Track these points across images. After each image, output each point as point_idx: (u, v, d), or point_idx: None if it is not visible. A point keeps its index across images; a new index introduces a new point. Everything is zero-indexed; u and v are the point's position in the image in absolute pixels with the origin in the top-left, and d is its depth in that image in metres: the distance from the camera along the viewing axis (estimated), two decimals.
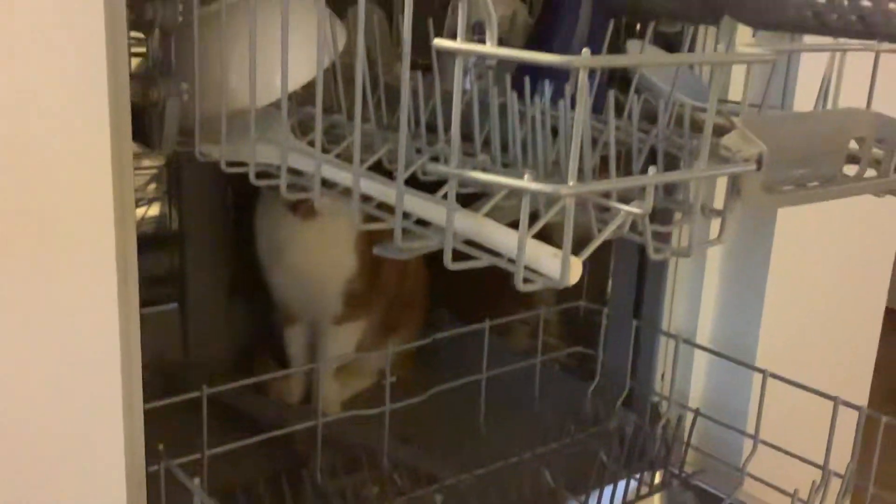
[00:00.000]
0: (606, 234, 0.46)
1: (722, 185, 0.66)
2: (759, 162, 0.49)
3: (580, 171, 0.60)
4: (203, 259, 1.20)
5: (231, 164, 0.66)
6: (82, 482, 0.65)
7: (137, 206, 1.19)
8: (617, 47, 0.94)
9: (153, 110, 0.66)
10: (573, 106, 0.58)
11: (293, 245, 1.06)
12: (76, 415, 0.64)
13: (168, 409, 0.80)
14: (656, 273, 1.06)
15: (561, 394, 1.13)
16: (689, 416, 1.03)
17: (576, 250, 0.47)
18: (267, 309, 1.15)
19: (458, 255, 0.49)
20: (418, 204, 0.53)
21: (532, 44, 0.91)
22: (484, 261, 0.48)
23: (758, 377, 0.96)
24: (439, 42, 0.44)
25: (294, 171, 0.63)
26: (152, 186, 1.22)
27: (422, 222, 0.55)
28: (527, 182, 0.42)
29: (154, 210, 1.22)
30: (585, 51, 0.41)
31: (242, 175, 0.66)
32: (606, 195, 0.49)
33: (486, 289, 1.31)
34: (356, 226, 0.55)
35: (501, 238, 0.48)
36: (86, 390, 0.65)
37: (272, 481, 0.89)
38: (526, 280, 0.45)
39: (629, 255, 1.09)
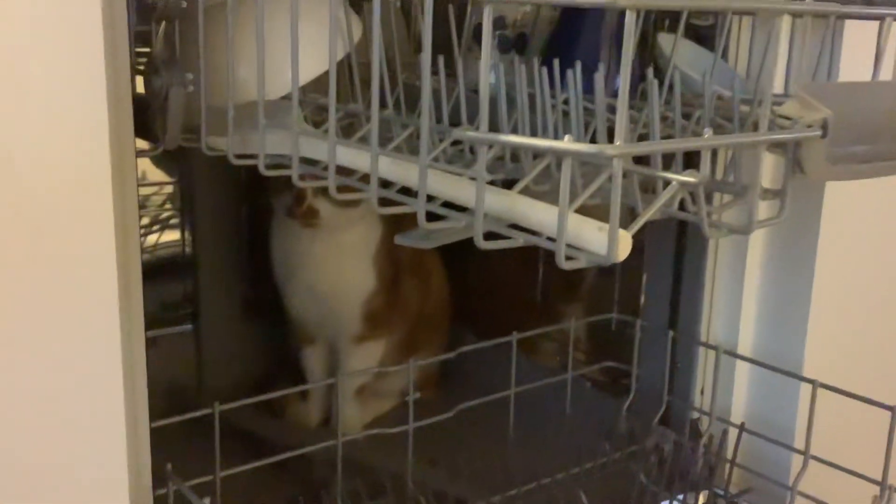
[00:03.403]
0: (657, 206, 0.41)
1: (771, 166, 0.61)
2: (825, 128, 0.44)
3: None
4: (217, 279, 1.16)
5: (240, 156, 0.61)
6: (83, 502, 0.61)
7: (150, 228, 1.18)
8: (647, 42, 0.89)
9: (156, 102, 0.62)
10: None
11: (309, 261, 1.02)
12: (76, 432, 0.61)
13: (181, 431, 0.77)
14: (693, 280, 1.01)
15: (593, 411, 1.08)
16: (733, 432, 0.97)
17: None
18: (284, 329, 1.11)
19: (490, 238, 0.44)
20: (444, 182, 0.47)
21: (558, 39, 0.87)
22: (520, 240, 0.43)
23: (806, 388, 0.90)
24: None
25: (307, 161, 0.59)
26: (166, 206, 1.19)
27: (448, 209, 0.50)
28: (568, 143, 0.37)
29: (168, 230, 1.20)
30: None
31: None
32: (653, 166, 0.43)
33: (512, 306, 1.27)
34: (375, 209, 0.50)
35: (539, 214, 0.43)
36: (86, 406, 0.61)
37: None
38: (568, 258, 0.40)
39: (663, 261, 1.03)
